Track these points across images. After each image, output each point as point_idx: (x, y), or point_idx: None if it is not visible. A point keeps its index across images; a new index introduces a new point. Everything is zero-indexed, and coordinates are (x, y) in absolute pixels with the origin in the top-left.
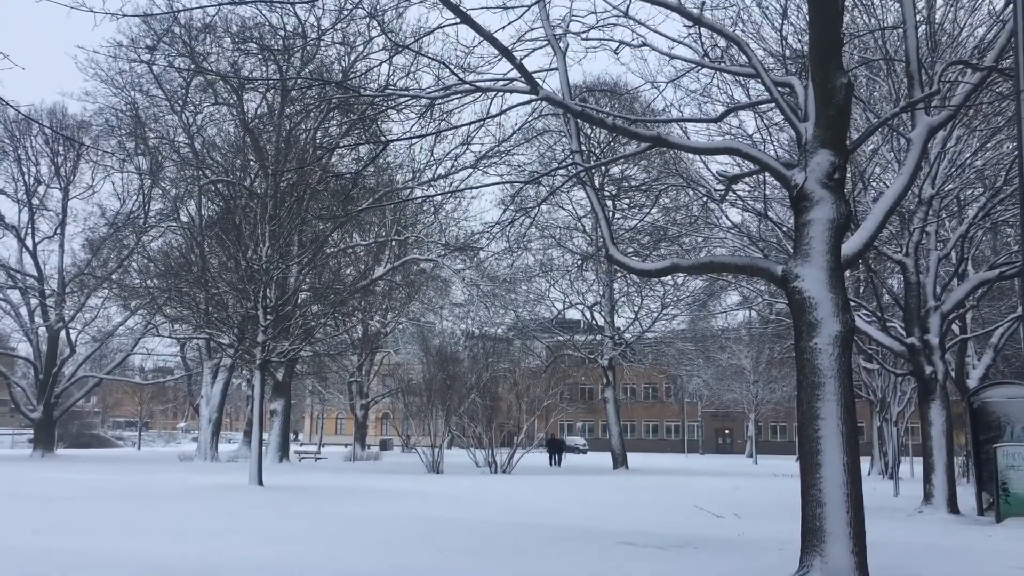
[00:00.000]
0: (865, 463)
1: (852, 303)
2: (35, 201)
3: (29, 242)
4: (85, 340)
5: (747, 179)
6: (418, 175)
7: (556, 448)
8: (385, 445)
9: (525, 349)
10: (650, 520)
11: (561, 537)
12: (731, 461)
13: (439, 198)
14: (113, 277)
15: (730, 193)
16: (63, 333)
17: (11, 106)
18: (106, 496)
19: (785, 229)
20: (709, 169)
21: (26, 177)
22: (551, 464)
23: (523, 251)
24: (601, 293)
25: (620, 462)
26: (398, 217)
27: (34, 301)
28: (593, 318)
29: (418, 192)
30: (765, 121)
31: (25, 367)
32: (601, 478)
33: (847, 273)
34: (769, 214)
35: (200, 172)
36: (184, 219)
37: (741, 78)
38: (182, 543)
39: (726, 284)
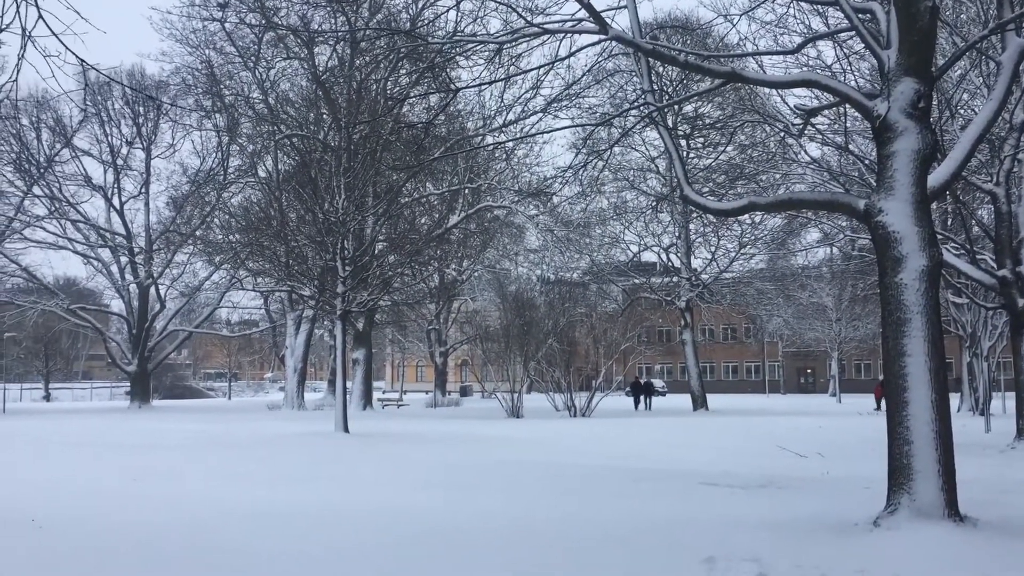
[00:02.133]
0: (954, 400)
1: (939, 236)
2: (119, 162)
3: (116, 202)
4: (174, 295)
5: (826, 112)
6: (489, 122)
7: (644, 391)
8: (465, 391)
9: (601, 293)
10: (732, 461)
11: (642, 478)
12: (813, 400)
13: (510, 144)
14: (197, 233)
15: (809, 127)
16: (152, 289)
17: (94, 68)
18: (201, 445)
19: (867, 162)
20: (786, 103)
21: (110, 139)
22: (637, 408)
23: (596, 194)
24: (677, 234)
25: (700, 403)
26: (470, 165)
27: (124, 259)
28: (669, 260)
29: (489, 139)
30: (845, 51)
31: (119, 323)
32: (681, 420)
33: (933, 205)
34: (850, 147)
35: (275, 127)
36: (262, 174)
37: (819, 6)
38: (273, 489)
39: (806, 221)
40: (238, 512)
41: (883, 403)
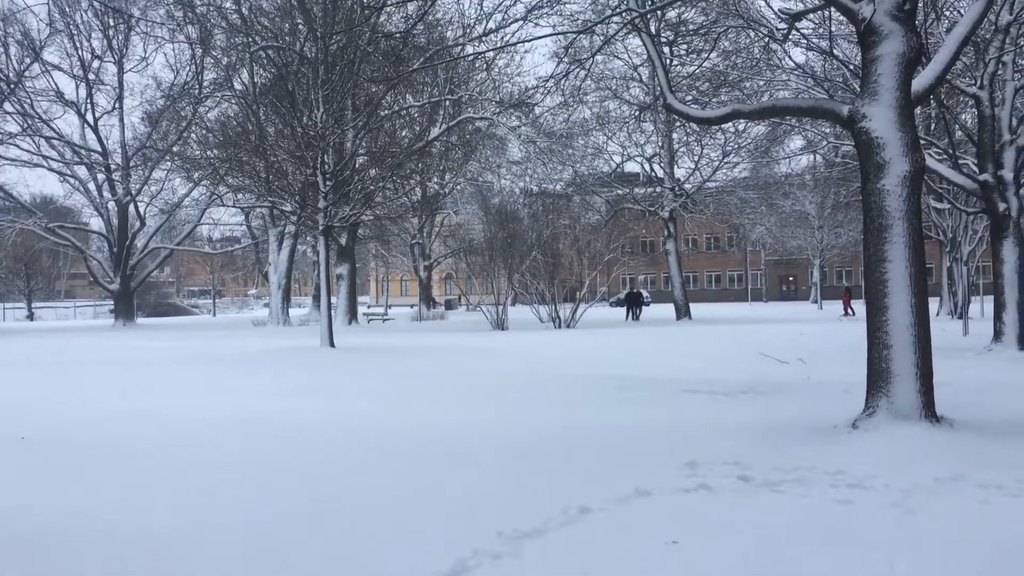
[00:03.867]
0: (934, 304)
1: (922, 141)
2: (91, 76)
3: (90, 118)
4: (153, 213)
5: (811, 16)
6: (468, 31)
7: (634, 302)
8: (450, 304)
9: (585, 204)
10: (714, 368)
11: (626, 387)
12: (796, 308)
13: (491, 54)
14: (174, 149)
15: (793, 32)
16: (132, 206)
17: None
18: (187, 361)
19: (852, 67)
20: (771, 7)
21: (80, 52)
22: (628, 319)
23: (579, 105)
24: (660, 144)
25: (683, 313)
26: (451, 76)
27: (101, 176)
28: (652, 170)
29: (469, 49)
30: None
31: (99, 241)
32: (664, 329)
33: (917, 110)
34: (835, 52)
35: (249, 39)
36: (238, 88)
37: None
38: (260, 402)
39: (789, 128)
40: (226, 425)
41: (850, 309)
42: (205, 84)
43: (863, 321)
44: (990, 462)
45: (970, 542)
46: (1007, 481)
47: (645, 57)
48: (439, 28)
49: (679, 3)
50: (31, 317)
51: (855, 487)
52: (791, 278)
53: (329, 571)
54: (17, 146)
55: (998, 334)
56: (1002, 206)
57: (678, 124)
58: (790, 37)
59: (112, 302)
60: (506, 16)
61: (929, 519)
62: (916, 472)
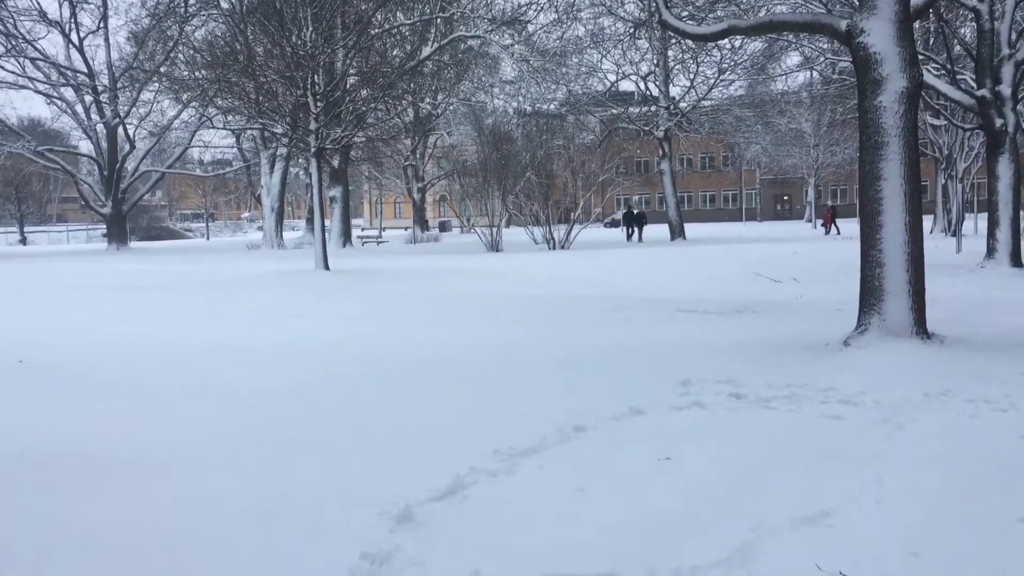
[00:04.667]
0: (928, 221)
1: (920, 57)
2: None
3: (75, 37)
4: (143, 135)
5: None
6: None
7: (636, 221)
8: (444, 226)
9: (579, 124)
10: (708, 288)
11: (621, 307)
12: (790, 227)
13: None
14: (161, 70)
15: None
16: (120, 129)
17: None
18: (182, 285)
19: None
20: None
21: None
22: (629, 240)
23: (572, 21)
24: (655, 62)
25: (677, 233)
26: None
27: (88, 98)
28: (647, 89)
29: None
30: None
31: (89, 164)
32: (658, 250)
33: (916, 24)
34: None
35: None
36: (225, 6)
37: None
38: (256, 325)
39: (786, 45)
40: (223, 348)
41: (832, 227)
42: (191, 2)
43: (856, 240)
44: (980, 377)
45: (957, 455)
46: (995, 395)
47: None
48: None
49: None
50: (24, 241)
51: (845, 403)
52: (786, 197)
53: (327, 490)
54: (2, 67)
55: (991, 251)
56: (999, 122)
57: (674, 41)
58: None
59: (104, 226)
60: None
61: (917, 434)
62: (906, 388)
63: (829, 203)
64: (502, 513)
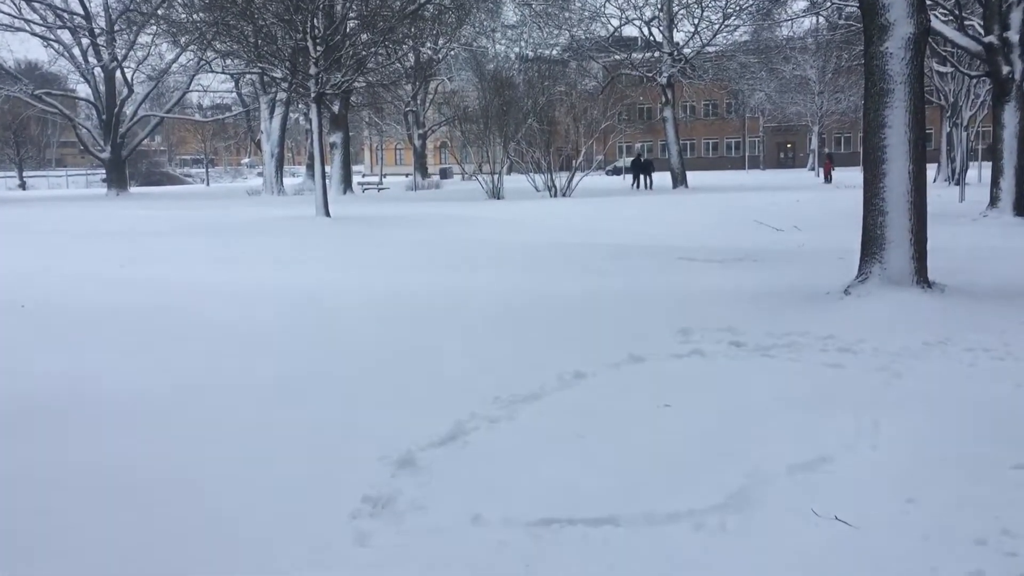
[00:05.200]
0: (931, 170)
1: (927, 2)
2: None
3: None
4: (141, 79)
5: None
6: None
7: (643, 169)
8: (445, 174)
9: (581, 70)
10: (710, 236)
11: (621, 255)
12: (793, 175)
13: None
14: (159, 12)
15: None
16: (118, 73)
17: None
18: (183, 231)
19: None
20: None
21: None
22: (635, 188)
23: None
24: (659, 6)
25: (679, 181)
26: None
27: (85, 41)
28: (651, 34)
29: None
30: None
31: (87, 109)
32: (660, 198)
33: None
34: None
35: None
36: None
37: None
38: (257, 271)
39: None
40: (224, 293)
41: (831, 176)
42: None
43: (856, 188)
44: (979, 326)
45: (954, 403)
46: (994, 344)
47: None
48: None
49: None
50: (23, 186)
51: (845, 351)
52: (789, 145)
53: (328, 434)
54: None
55: (994, 200)
56: (1006, 69)
57: None
58: None
59: (104, 171)
60: None
61: (915, 381)
62: (905, 336)
63: (827, 151)
64: (502, 458)
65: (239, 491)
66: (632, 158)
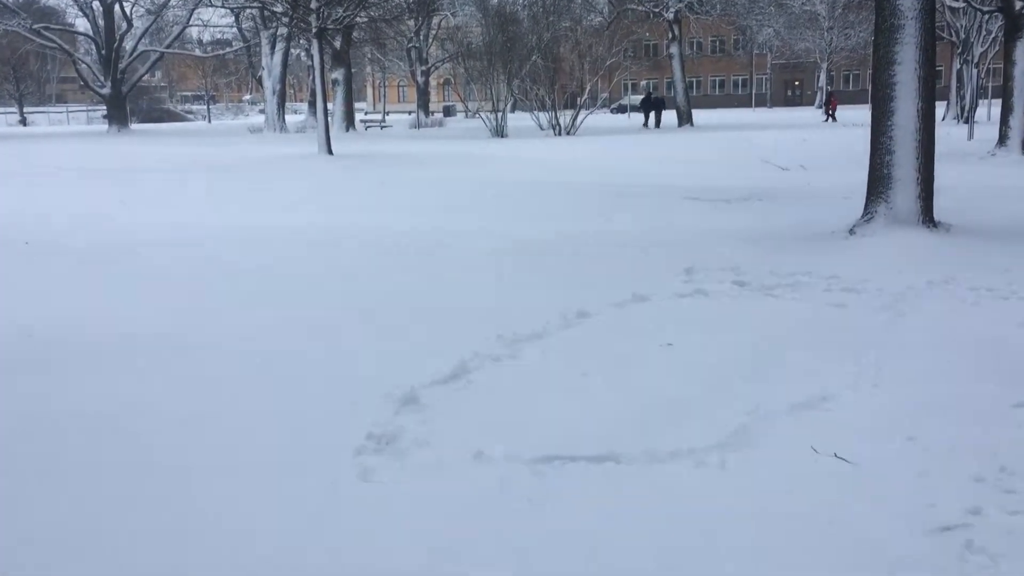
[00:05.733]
0: (940, 108)
1: None
2: None
3: None
4: (140, 13)
5: None
6: None
7: (654, 107)
8: (448, 111)
9: (587, 5)
10: (716, 175)
11: (625, 195)
12: (800, 113)
13: None
14: None
15: None
16: (117, 6)
17: None
18: (185, 168)
19: None
20: None
21: None
22: (646, 126)
23: None
24: None
25: (685, 119)
26: None
27: None
28: None
29: None
30: None
31: (87, 44)
32: (665, 136)
33: None
34: None
35: None
36: None
37: None
38: (264, 210)
39: None
40: (226, 233)
41: (830, 114)
42: None
43: (865, 127)
44: (983, 265)
45: (957, 342)
46: (998, 283)
47: None
48: None
49: None
50: (24, 122)
51: (849, 291)
52: (797, 82)
53: (332, 373)
54: None
55: (1003, 138)
56: (1019, 4)
57: None
58: None
59: (104, 107)
60: None
61: (918, 321)
62: (909, 276)
63: (828, 88)
64: (505, 396)
65: (243, 429)
66: (643, 95)
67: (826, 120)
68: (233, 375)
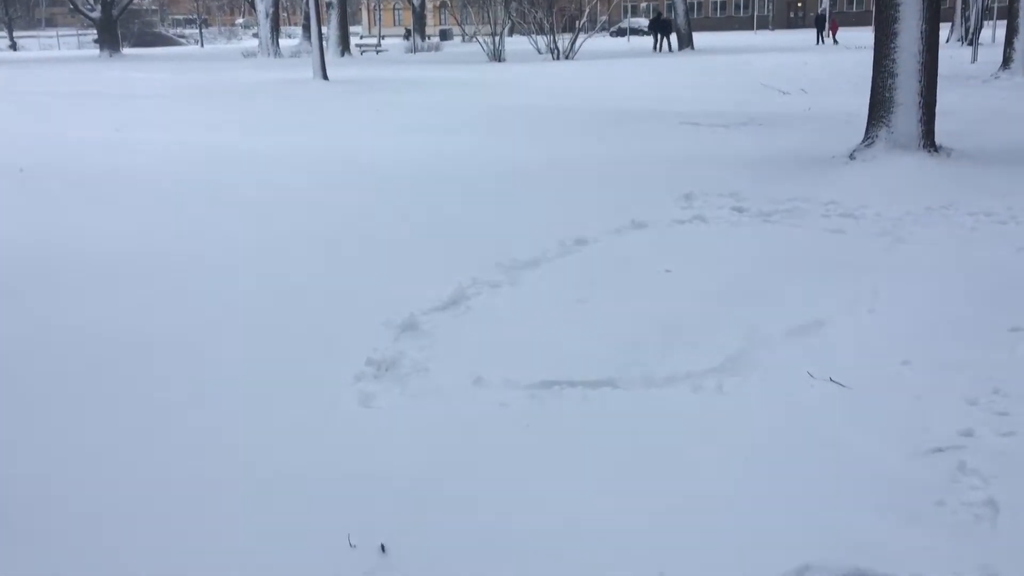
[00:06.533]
0: (944, 29)
1: None
2: None
3: None
4: None
5: None
6: None
7: (663, 29)
8: (445, 35)
9: None
10: (715, 100)
11: (624, 120)
12: (802, 36)
13: None
14: None
15: None
16: None
17: None
18: (179, 94)
19: None
20: None
21: None
22: (656, 50)
23: None
24: None
25: (685, 43)
26: None
27: None
28: None
29: None
30: None
31: None
32: (665, 60)
33: None
34: None
35: None
36: None
37: None
38: (257, 135)
39: None
40: (223, 158)
41: (825, 36)
42: None
43: (869, 50)
44: (983, 190)
45: (954, 267)
46: (997, 208)
47: None
48: None
49: None
50: (14, 47)
51: (847, 217)
52: (799, 3)
53: (331, 299)
54: None
55: (1007, 61)
56: None
57: None
58: None
59: (95, 31)
60: None
61: (917, 246)
62: (908, 201)
63: (819, 9)
64: (503, 323)
65: (243, 355)
66: (652, 17)
67: (818, 43)
68: (230, 301)
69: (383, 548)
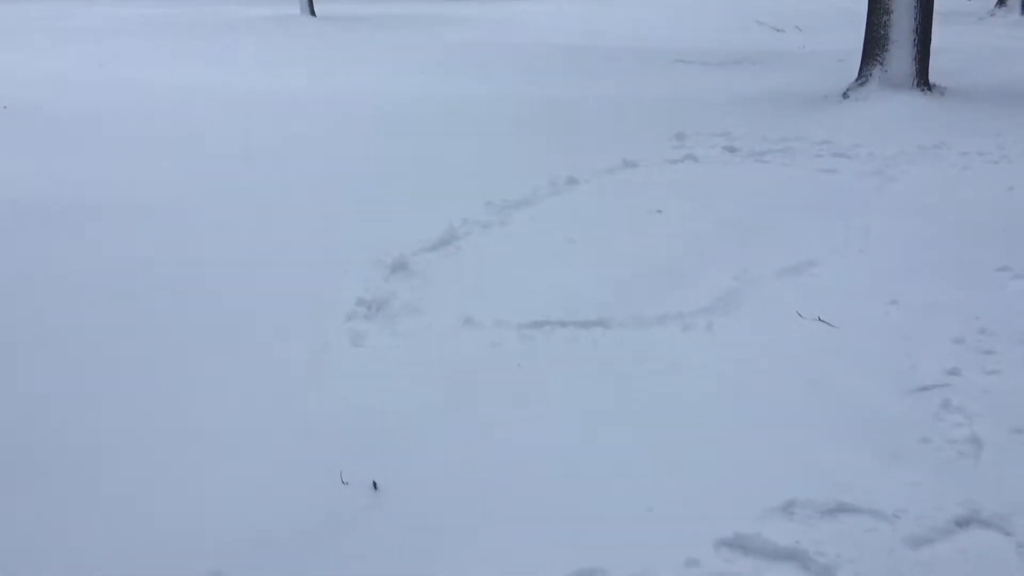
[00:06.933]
0: None
1: None
2: None
3: None
4: None
5: None
6: None
7: None
8: None
9: None
10: (708, 38)
11: (615, 57)
12: None
13: None
14: None
15: None
16: None
17: None
18: (163, 29)
19: None
20: None
21: None
22: None
23: None
24: None
25: None
26: None
27: None
28: None
29: None
30: None
31: None
32: None
33: None
34: None
35: None
36: None
37: None
38: (246, 74)
39: None
40: (209, 98)
41: None
42: None
43: None
44: (976, 129)
45: (944, 207)
46: (989, 147)
47: None
48: None
49: None
50: None
51: (839, 156)
52: None
53: (322, 240)
54: None
55: None
56: None
57: None
58: None
59: None
60: None
61: (908, 185)
62: (901, 140)
63: None
64: (494, 262)
65: (235, 295)
66: None
67: None
68: (222, 242)
69: (375, 485)
